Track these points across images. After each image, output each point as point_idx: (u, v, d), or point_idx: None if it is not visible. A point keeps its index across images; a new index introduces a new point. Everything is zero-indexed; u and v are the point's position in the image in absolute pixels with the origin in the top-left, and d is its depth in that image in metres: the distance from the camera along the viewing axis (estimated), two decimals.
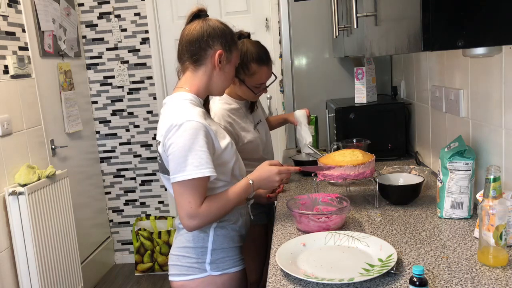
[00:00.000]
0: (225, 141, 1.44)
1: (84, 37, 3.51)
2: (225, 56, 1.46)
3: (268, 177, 1.47)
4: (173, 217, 3.58)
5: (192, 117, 1.34)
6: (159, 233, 3.45)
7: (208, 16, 1.51)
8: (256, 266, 2.03)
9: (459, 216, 1.46)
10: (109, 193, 3.71)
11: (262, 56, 1.86)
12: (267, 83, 1.94)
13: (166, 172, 1.42)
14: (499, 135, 1.39)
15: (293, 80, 2.97)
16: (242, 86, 1.88)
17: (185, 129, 1.33)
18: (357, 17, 1.26)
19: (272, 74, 1.93)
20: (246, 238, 1.63)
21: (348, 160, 1.62)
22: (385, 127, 2.28)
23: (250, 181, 1.45)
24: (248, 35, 1.91)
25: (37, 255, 2.46)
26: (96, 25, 3.49)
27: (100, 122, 3.62)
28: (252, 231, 1.69)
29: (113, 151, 3.65)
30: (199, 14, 1.49)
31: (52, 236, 2.62)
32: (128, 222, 3.74)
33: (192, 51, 1.44)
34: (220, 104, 1.88)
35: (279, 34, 3.14)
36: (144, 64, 3.52)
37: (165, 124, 1.38)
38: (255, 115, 2.06)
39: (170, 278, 1.53)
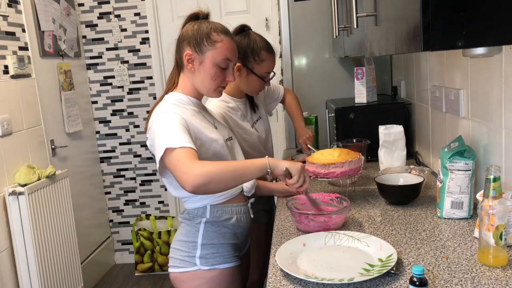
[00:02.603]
0: (211, 135, 1.46)
1: (84, 37, 3.51)
2: (195, 56, 1.46)
3: (291, 161, 1.44)
4: (173, 217, 3.58)
5: (166, 109, 1.43)
6: (159, 233, 3.45)
7: (206, 18, 1.53)
8: (257, 265, 2.02)
9: (459, 216, 1.46)
10: (109, 193, 3.71)
11: (270, 45, 1.93)
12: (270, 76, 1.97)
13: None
14: (499, 135, 1.39)
15: (293, 80, 2.97)
16: (250, 76, 1.89)
17: (160, 119, 1.41)
18: (357, 17, 1.26)
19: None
20: (246, 236, 1.63)
21: (321, 158, 1.68)
22: None
23: (266, 156, 1.40)
24: (250, 28, 1.96)
25: (37, 255, 2.46)
26: (96, 25, 3.49)
27: (100, 122, 3.62)
28: (252, 229, 1.69)
29: (113, 151, 3.65)
30: (197, 17, 1.53)
31: (52, 236, 2.62)
32: (128, 222, 3.74)
33: (176, 55, 1.53)
34: (216, 102, 1.89)
35: (279, 34, 3.15)
36: (144, 64, 3.52)
37: (149, 122, 1.46)
38: (255, 112, 2.06)
39: (168, 270, 1.57)
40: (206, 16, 1.53)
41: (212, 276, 1.49)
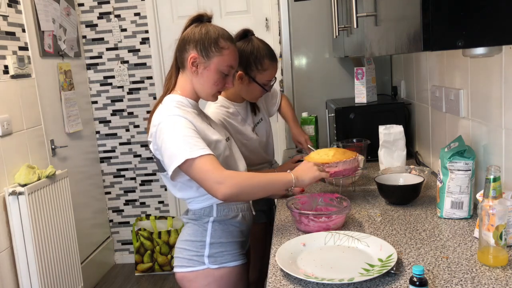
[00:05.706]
0: (214, 136, 1.47)
1: (84, 37, 3.51)
2: (200, 60, 1.46)
3: (307, 165, 1.51)
4: (173, 217, 3.58)
5: (172, 113, 1.40)
6: (159, 233, 3.45)
7: (209, 21, 1.52)
8: (256, 265, 2.03)
9: (459, 216, 1.46)
10: (109, 193, 3.71)
11: (272, 52, 1.88)
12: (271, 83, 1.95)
13: (162, 170, 1.46)
14: (499, 135, 1.39)
15: (293, 80, 2.97)
16: (251, 84, 1.86)
17: (169, 124, 1.38)
18: (357, 17, 1.26)
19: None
20: (248, 234, 1.63)
21: (316, 158, 1.68)
22: None
23: (288, 171, 1.48)
24: (253, 33, 1.91)
25: (37, 255, 2.46)
26: (96, 25, 3.49)
27: (100, 122, 3.62)
28: (251, 229, 1.69)
29: (113, 151, 3.65)
30: (201, 19, 1.52)
31: (52, 236, 2.62)
32: (128, 222, 3.74)
33: (177, 56, 1.52)
34: (215, 108, 1.87)
35: (279, 34, 3.15)
36: (144, 64, 3.52)
37: (152, 126, 1.44)
38: (256, 114, 2.05)
39: (174, 270, 1.57)
40: (209, 19, 1.53)
41: (220, 275, 1.50)
